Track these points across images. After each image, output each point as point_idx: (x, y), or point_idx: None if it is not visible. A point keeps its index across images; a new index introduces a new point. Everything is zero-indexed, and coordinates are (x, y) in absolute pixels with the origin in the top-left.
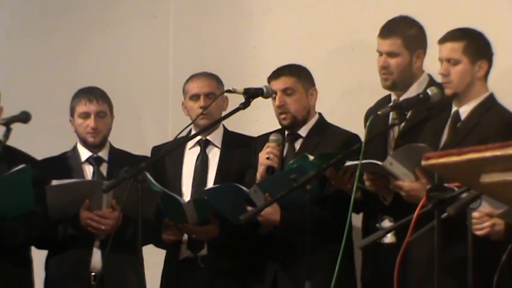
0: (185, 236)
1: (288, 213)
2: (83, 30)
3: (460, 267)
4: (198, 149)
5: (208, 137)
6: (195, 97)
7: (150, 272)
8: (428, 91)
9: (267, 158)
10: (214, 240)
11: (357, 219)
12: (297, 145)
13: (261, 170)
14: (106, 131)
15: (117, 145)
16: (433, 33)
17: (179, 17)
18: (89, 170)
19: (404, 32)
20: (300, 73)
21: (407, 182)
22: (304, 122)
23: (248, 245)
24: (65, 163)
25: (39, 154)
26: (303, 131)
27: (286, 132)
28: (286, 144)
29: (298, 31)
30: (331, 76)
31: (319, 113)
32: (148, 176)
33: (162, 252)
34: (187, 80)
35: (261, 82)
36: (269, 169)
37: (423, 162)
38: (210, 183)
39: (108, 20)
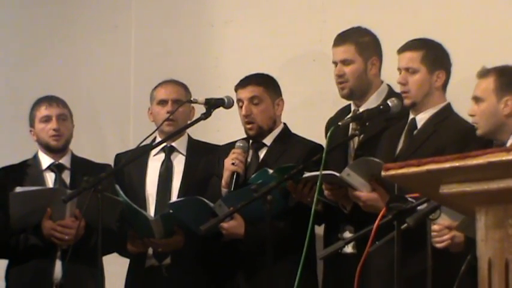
0: None
1: (252, 227)
2: (44, 40)
3: (419, 278)
4: (162, 155)
5: (173, 144)
6: (163, 102)
7: (111, 282)
8: (389, 102)
9: (233, 164)
10: (179, 251)
11: (319, 230)
12: (261, 154)
13: (226, 175)
14: (68, 134)
15: (78, 154)
16: (394, 46)
17: (141, 27)
18: (50, 178)
19: (357, 40)
20: (267, 83)
21: (364, 192)
22: (269, 131)
23: (212, 256)
24: (25, 171)
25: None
26: (268, 140)
27: (251, 141)
28: (251, 152)
29: (260, 42)
30: (292, 86)
31: (284, 123)
32: (117, 187)
33: (123, 262)
34: (156, 87)
35: (224, 92)
36: (234, 175)
37: (383, 173)
38: (175, 190)
39: (69, 29)
